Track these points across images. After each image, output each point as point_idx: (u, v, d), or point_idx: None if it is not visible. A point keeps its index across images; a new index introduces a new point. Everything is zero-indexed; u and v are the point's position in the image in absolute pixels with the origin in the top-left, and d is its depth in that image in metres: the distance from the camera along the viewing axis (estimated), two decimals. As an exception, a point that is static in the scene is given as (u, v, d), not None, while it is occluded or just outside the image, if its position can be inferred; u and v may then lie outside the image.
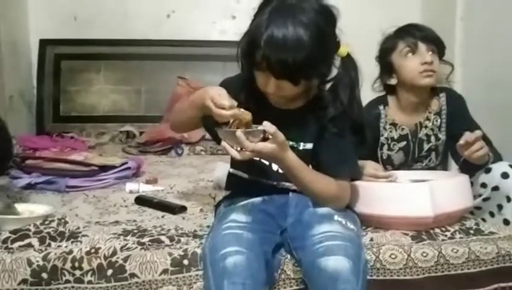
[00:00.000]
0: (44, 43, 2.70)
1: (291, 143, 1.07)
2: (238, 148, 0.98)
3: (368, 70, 1.34)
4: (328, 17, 1.04)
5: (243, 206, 1.07)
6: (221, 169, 1.61)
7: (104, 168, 1.69)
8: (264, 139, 0.99)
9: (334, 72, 1.09)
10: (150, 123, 2.63)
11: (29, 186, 1.57)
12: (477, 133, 1.23)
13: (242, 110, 1.00)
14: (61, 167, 1.65)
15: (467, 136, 1.22)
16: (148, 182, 1.67)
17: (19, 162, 1.66)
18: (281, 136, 0.99)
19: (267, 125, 0.97)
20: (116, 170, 1.70)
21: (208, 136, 2.11)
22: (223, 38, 2.78)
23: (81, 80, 2.73)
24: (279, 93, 1.05)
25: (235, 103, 1.01)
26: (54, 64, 2.70)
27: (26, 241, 1.06)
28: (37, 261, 1.00)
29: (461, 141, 1.21)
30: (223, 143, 1.00)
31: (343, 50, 1.08)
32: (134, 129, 2.63)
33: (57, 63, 2.70)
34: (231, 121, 1.00)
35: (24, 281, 0.99)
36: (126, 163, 1.75)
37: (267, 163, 1.11)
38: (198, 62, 2.76)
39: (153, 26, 2.76)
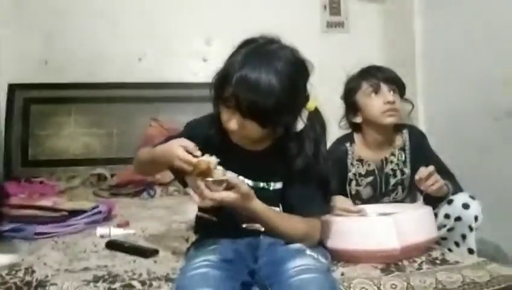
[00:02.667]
0: (13, 88, 2.68)
1: (261, 184, 1.10)
2: None
3: (334, 112, 1.41)
4: (302, 70, 1.08)
5: (212, 249, 1.07)
6: (193, 210, 1.61)
7: (74, 213, 1.66)
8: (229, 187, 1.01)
9: (301, 124, 1.11)
10: (122, 165, 2.61)
11: (-5, 235, 1.52)
12: (430, 168, 1.31)
13: (205, 157, 1.02)
14: (29, 213, 1.61)
15: (420, 172, 1.31)
16: (119, 225, 1.64)
17: (-16, 210, 1.61)
18: (244, 187, 1.01)
19: (231, 177, 1.00)
20: (86, 214, 1.67)
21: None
22: (195, 80, 2.84)
23: (52, 123, 2.70)
24: (242, 133, 1.07)
25: (199, 153, 1.03)
26: (23, 108, 2.67)
27: (-9, 292, 1.03)
28: None
29: (416, 177, 1.29)
30: (188, 188, 1.02)
31: (311, 104, 1.11)
32: (105, 171, 2.60)
33: (26, 107, 2.67)
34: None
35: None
36: (97, 207, 1.73)
37: None
38: (170, 104, 2.79)
39: (124, 69, 2.80)
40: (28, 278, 1.10)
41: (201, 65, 2.90)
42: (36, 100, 2.69)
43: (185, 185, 1.21)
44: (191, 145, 1.05)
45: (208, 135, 1.12)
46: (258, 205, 1.05)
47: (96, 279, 1.10)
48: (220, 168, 1.02)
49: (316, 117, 1.12)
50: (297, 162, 1.10)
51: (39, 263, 1.24)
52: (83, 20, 2.77)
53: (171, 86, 2.81)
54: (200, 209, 1.20)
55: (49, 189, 2.18)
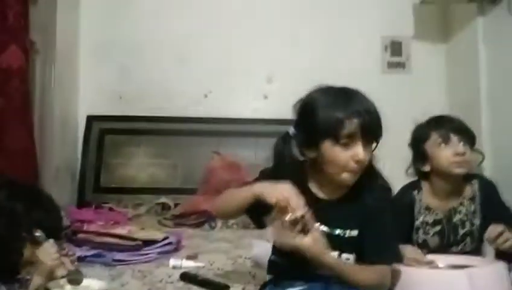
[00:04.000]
0: (90, 119, 2.92)
1: (337, 231, 1.15)
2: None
3: (396, 155, 1.44)
4: None
5: None
6: (258, 247, 1.67)
7: (148, 243, 1.77)
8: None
9: None
10: (185, 195, 2.74)
11: (79, 259, 1.65)
12: (499, 227, 1.31)
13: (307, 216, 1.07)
14: (109, 241, 1.75)
15: (489, 232, 1.31)
16: (189, 257, 1.73)
17: (70, 235, 1.77)
18: (318, 234, 1.06)
19: (308, 217, 1.05)
20: (158, 245, 1.78)
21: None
22: (256, 116, 2.96)
23: (122, 153, 2.90)
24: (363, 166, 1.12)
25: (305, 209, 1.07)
26: (98, 139, 2.89)
27: (87, 317, 1.13)
28: None
29: (486, 236, 1.31)
30: (271, 229, 1.07)
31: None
32: (169, 201, 2.73)
33: (101, 137, 2.90)
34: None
35: None
36: (167, 238, 1.84)
37: None
38: (232, 138, 2.92)
39: (191, 105, 2.97)
40: (117, 305, 1.20)
41: (262, 102, 3.02)
42: (110, 131, 2.91)
43: (260, 226, 1.28)
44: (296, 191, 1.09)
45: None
46: (330, 256, 1.09)
47: (177, 311, 1.18)
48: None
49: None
50: (374, 192, 1.16)
51: (124, 291, 1.34)
52: (154, 57, 2.99)
53: (233, 122, 2.95)
54: (274, 252, 1.25)
55: (121, 217, 2.33)
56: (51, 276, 1.22)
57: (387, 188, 1.20)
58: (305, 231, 1.06)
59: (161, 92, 2.97)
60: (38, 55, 2.39)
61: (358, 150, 1.11)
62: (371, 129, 1.11)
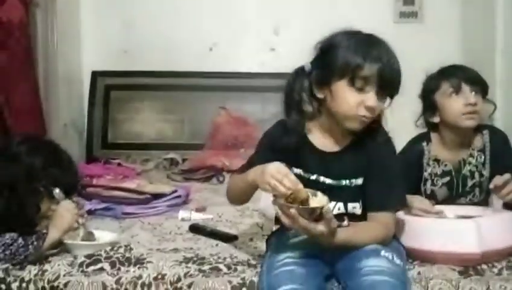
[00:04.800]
0: (95, 75, 2.89)
1: (344, 182, 1.14)
2: None
3: (409, 106, 1.41)
4: None
5: (294, 244, 1.13)
6: (265, 199, 1.68)
7: (156, 196, 1.80)
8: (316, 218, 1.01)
9: None
10: (192, 151, 2.75)
11: (89, 212, 1.69)
12: (505, 177, 1.28)
13: (320, 196, 1.03)
14: (118, 194, 1.77)
15: (496, 180, 1.28)
16: (198, 210, 1.76)
17: (79, 189, 1.79)
18: (334, 223, 1.02)
19: (327, 209, 1.00)
20: (167, 197, 1.80)
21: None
22: (263, 70, 2.91)
23: (128, 109, 2.89)
24: (373, 114, 1.10)
25: (298, 183, 1.03)
26: (104, 95, 2.88)
27: (99, 265, 1.16)
28: (111, 284, 1.10)
29: (491, 186, 1.28)
30: (276, 209, 1.03)
31: None
32: (177, 156, 2.75)
33: (107, 93, 2.88)
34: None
35: (98, 303, 1.08)
36: (176, 191, 1.86)
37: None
38: (238, 93, 2.89)
39: (196, 59, 2.92)
40: (127, 254, 1.23)
41: (269, 55, 2.96)
42: (115, 87, 2.90)
43: None
44: (286, 170, 1.05)
45: (286, 144, 1.14)
46: (338, 237, 1.06)
47: (186, 260, 1.21)
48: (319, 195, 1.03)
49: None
50: (378, 138, 1.15)
51: (134, 242, 1.37)
52: (158, 10, 2.91)
53: (239, 76, 2.91)
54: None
55: (129, 171, 2.36)
56: (67, 231, 1.25)
57: (390, 139, 1.17)
58: (316, 218, 1.02)
59: (166, 46, 2.91)
60: (39, 8, 2.33)
61: (371, 97, 1.08)
62: (388, 79, 1.08)
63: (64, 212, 1.26)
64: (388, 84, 1.09)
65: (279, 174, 1.02)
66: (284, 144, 1.15)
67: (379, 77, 1.07)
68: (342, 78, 1.08)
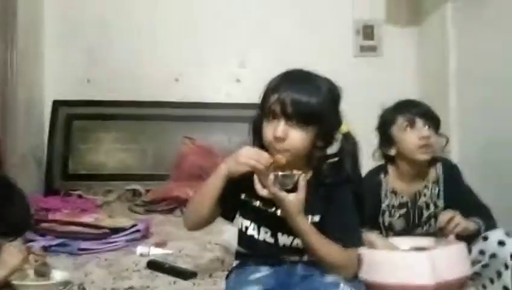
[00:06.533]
0: (57, 104, 2.83)
1: None
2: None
3: (365, 138, 1.45)
4: (337, 89, 1.19)
5: (255, 279, 1.12)
6: (229, 232, 1.67)
7: (115, 231, 1.74)
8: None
9: (334, 148, 1.19)
10: (156, 181, 2.70)
11: (44, 249, 1.61)
12: (446, 216, 1.38)
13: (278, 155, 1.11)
14: (74, 229, 1.71)
15: (440, 219, 1.39)
16: (157, 245, 1.72)
17: (33, 225, 1.72)
18: (304, 194, 1.08)
19: (302, 178, 1.08)
20: (126, 232, 1.76)
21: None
22: (228, 100, 2.93)
23: (91, 139, 2.83)
24: (285, 144, 1.11)
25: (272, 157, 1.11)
26: (65, 124, 2.81)
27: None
28: None
29: (437, 226, 1.37)
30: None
31: (344, 127, 1.19)
32: (140, 187, 2.69)
33: (68, 122, 2.81)
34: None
35: None
36: (135, 225, 1.81)
37: (272, 241, 1.18)
38: (204, 123, 2.88)
39: (161, 89, 2.91)
40: (79, 295, 1.18)
41: (235, 86, 2.99)
42: (78, 116, 2.83)
43: (232, 218, 1.28)
44: (257, 150, 1.13)
45: (244, 176, 1.15)
46: (305, 220, 1.11)
47: (141, 300, 1.17)
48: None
49: (350, 138, 1.19)
50: (335, 178, 1.16)
51: (87, 281, 1.32)
52: (123, 39, 2.91)
53: (205, 106, 2.91)
54: (240, 243, 1.24)
55: (88, 204, 2.29)
56: (14, 271, 1.19)
57: (347, 174, 1.18)
58: (291, 190, 1.09)
59: (130, 76, 2.89)
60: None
61: (277, 127, 1.11)
62: (290, 106, 1.10)
63: (13, 250, 1.20)
64: (290, 112, 1.10)
65: (254, 155, 1.11)
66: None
67: (281, 106, 1.10)
68: (262, 114, 1.16)
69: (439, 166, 1.57)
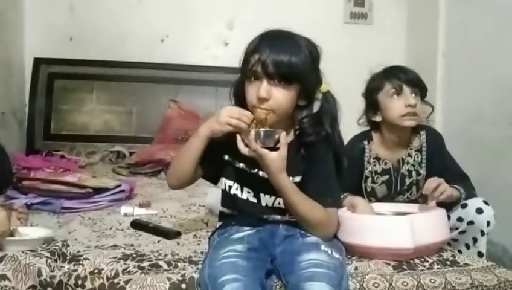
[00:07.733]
0: (38, 62, 2.74)
1: None
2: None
3: (353, 105, 1.45)
4: (317, 48, 1.18)
5: (238, 238, 1.14)
6: (212, 195, 1.67)
7: (99, 191, 1.73)
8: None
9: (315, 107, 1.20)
10: (140, 144, 2.68)
11: (26, 207, 1.60)
12: (433, 183, 1.39)
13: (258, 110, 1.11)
14: (57, 188, 1.69)
15: (426, 186, 1.39)
16: (141, 205, 1.72)
17: (15, 183, 1.69)
18: (285, 152, 1.09)
19: (283, 134, 1.08)
20: (110, 192, 1.75)
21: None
22: (216, 64, 2.88)
23: (74, 99, 2.77)
24: (269, 104, 1.11)
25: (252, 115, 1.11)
26: (47, 83, 2.74)
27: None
28: (46, 273, 1.05)
29: (423, 192, 1.38)
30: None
31: (324, 86, 1.19)
32: (124, 150, 2.67)
33: (50, 81, 2.74)
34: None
35: (33, 286, 1.05)
36: (120, 186, 1.80)
37: (255, 201, 1.19)
38: (190, 86, 2.85)
39: (147, 50, 2.84)
40: (63, 250, 1.18)
41: (222, 49, 2.94)
42: (60, 75, 2.77)
43: (215, 181, 1.28)
44: (238, 108, 1.13)
45: (228, 137, 1.15)
46: (286, 178, 1.11)
47: (125, 257, 1.18)
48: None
49: (330, 97, 1.19)
50: (314, 136, 1.17)
51: (71, 238, 1.32)
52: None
53: (191, 69, 2.86)
54: (223, 204, 1.25)
55: (72, 164, 2.26)
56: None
57: (326, 132, 1.18)
58: (273, 148, 1.09)
59: (115, 35, 2.81)
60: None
61: (260, 87, 1.10)
62: (271, 67, 1.09)
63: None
64: (272, 71, 1.10)
65: (236, 113, 1.11)
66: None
67: (262, 66, 1.10)
68: (243, 76, 1.15)
69: (423, 134, 1.58)
